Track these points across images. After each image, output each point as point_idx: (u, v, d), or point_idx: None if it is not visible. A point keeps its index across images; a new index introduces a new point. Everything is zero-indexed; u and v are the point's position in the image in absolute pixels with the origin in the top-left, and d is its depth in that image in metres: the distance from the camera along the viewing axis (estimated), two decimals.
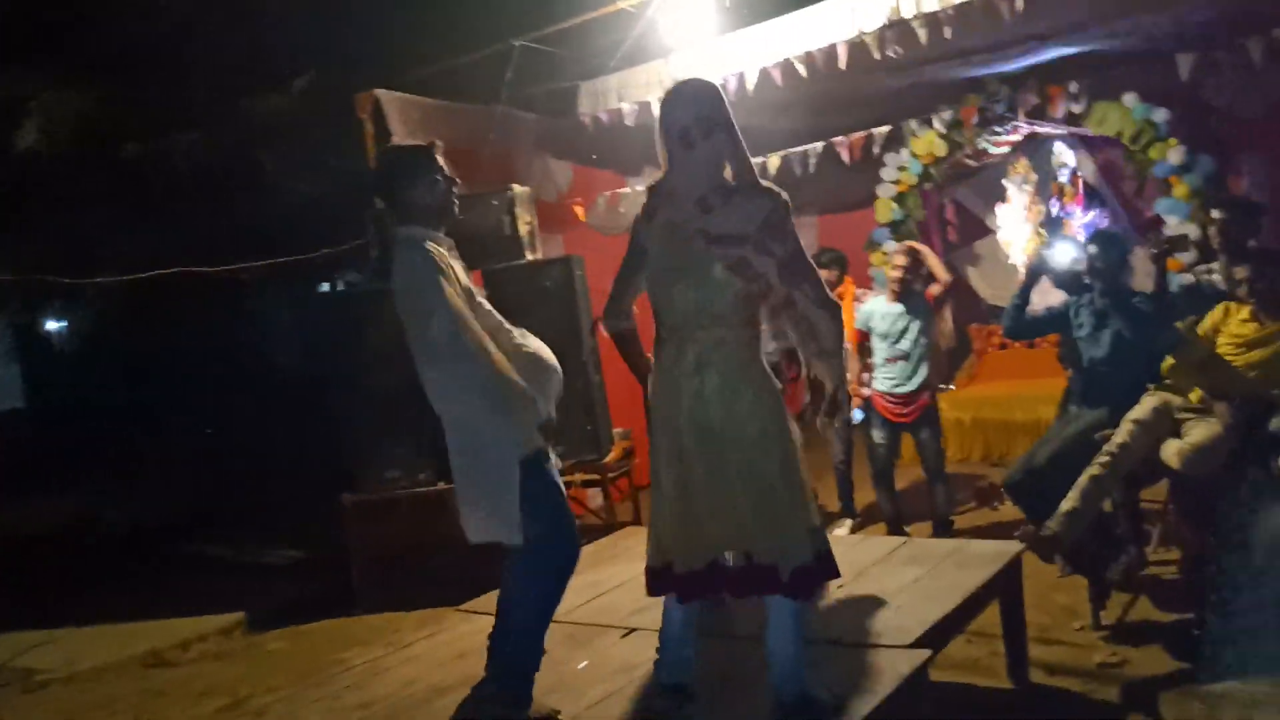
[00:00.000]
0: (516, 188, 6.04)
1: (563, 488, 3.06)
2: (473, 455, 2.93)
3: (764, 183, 2.72)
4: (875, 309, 5.85)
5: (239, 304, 9.40)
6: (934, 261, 6.00)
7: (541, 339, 3.06)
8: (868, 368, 5.93)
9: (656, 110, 4.16)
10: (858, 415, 6.06)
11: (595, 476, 6.67)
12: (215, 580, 6.93)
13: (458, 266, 2.95)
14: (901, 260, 5.80)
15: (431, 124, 6.85)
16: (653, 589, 2.83)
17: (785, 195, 2.66)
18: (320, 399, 6.57)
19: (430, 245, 2.88)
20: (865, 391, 5.96)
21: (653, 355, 2.80)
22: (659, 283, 2.73)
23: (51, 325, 12.10)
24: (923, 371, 5.76)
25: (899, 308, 5.76)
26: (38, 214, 7.65)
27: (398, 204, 2.97)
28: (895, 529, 5.81)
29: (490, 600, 4.02)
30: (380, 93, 6.50)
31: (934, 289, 5.92)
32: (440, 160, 2.99)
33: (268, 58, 7.94)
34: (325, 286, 10.23)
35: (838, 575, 2.77)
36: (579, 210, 7.71)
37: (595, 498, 7.06)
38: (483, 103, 7.05)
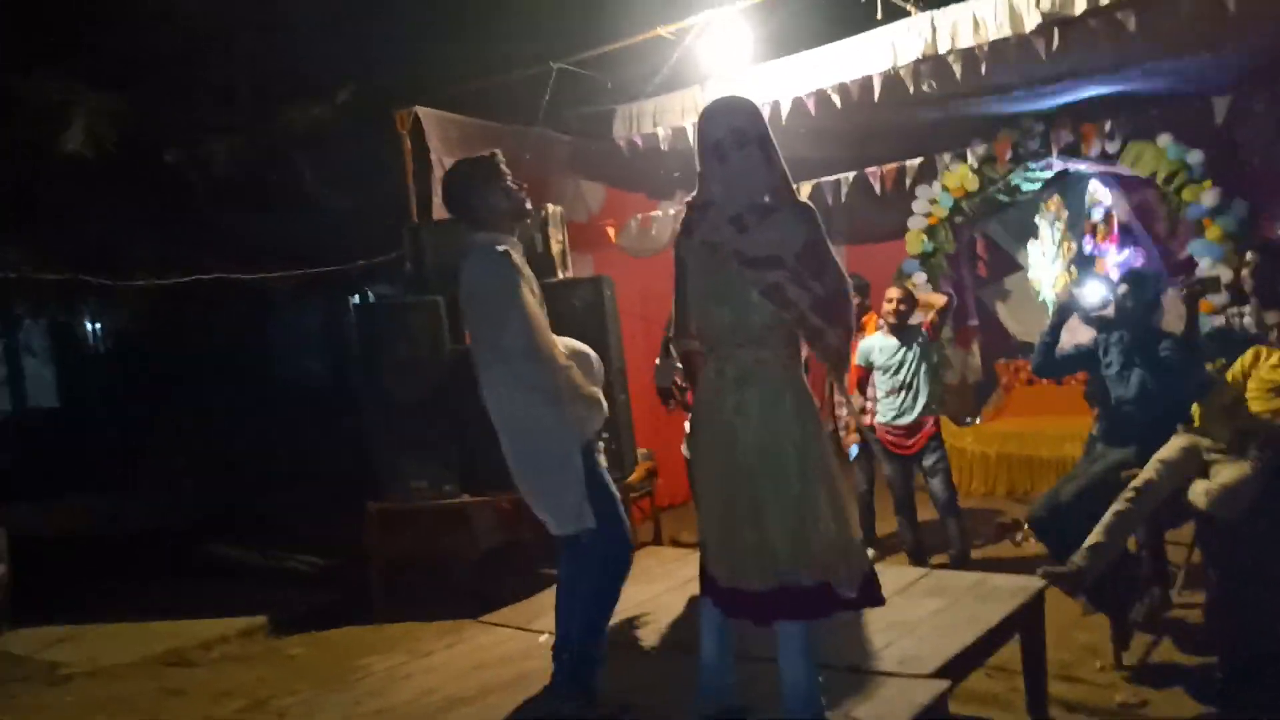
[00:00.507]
0: (550, 207, 6.11)
1: (613, 487, 3.18)
2: (534, 453, 3.06)
3: (801, 200, 2.72)
4: (874, 344, 5.92)
5: (273, 311, 9.52)
6: (926, 296, 6.06)
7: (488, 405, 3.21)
8: (869, 402, 5.99)
9: (692, 134, 4.21)
10: (853, 452, 6.09)
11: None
12: (238, 584, 7.00)
13: (529, 271, 3.05)
14: (896, 293, 5.87)
15: (469, 141, 6.96)
16: (704, 594, 2.85)
17: (818, 216, 2.65)
18: (350, 408, 6.64)
19: (510, 250, 3.00)
20: (866, 419, 6.01)
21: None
22: (698, 302, 2.75)
23: (88, 327, 12.29)
24: (923, 401, 5.78)
25: (895, 341, 5.82)
26: (79, 216, 7.78)
27: (473, 212, 3.10)
28: (917, 560, 5.80)
29: (511, 613, 4.10)
30: (420, 109, 6.61)
31: (930, 317, 5.95)
32: (505, 168, 3.13)
33: (310, 68, 8.05)
34: (357, 298, 10.36)
35: (883, 600, 2.80)
36: (611, 231, 7.78)
37: None
38: (520, 123, 7.14)
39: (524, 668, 3.48)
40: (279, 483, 8.80)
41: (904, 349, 5.81)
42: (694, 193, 2.77)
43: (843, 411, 6.24)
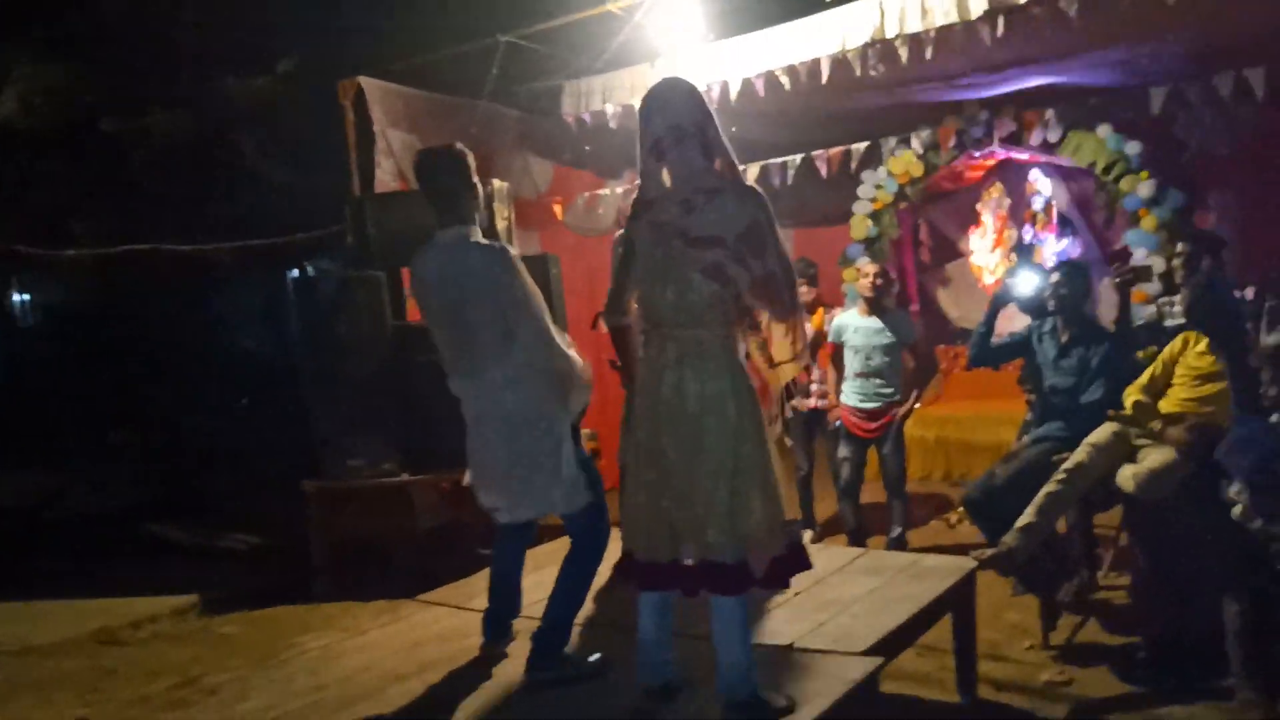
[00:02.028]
0: (496, 183, 6.05)
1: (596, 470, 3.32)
2: (533, 447, 3.14)
3: (749, 184, 2.75)
4: (849, 322, 5.88)
5: (212, 286, 9.32)
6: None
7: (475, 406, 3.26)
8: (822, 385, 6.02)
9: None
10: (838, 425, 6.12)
11: None
12: (174, 563, 6.88)
13: None
14: (873, 268, 5.87)
15: (414, 114, 6.86)
16: (618, 575, 2.91)
17: (766, 199, 2.67)
18: (289, 384, 6.55)
19: (501, 243, 3.18)
20: (815, 402, 6.05)
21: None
22: (644, 281, 2.79)
23: (23, 299, 11.94)
24: (892, 387, 5.82)
25: (875, 323, 5.79)
26: (12, 186, 7.56)
27: (451, 199, 3.22)
28: (857, 541, 5.87)
29: (449, 592, 4.07)
30: (363, 80, 6.50)
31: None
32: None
33: (252, 39, 7.90)
34: (296, 273, 10.18)
35: (810, 567, 2.85)
36: (557, 209, 7.74)
37: None
38: (466, 96, 7.06)
39: (462, 645, 3.46)
40: (219, 461, 8.65)
41: (882, 333, 5.77)
42: (638, 185, 2.80)
43: (814, 387, 6.22)
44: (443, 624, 3.67)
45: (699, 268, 2.62)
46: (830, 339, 5.95)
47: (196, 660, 4.90)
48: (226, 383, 9.22)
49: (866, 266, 5.92)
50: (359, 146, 6.67)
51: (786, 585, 2.81)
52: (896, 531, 5.86)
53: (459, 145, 3.32)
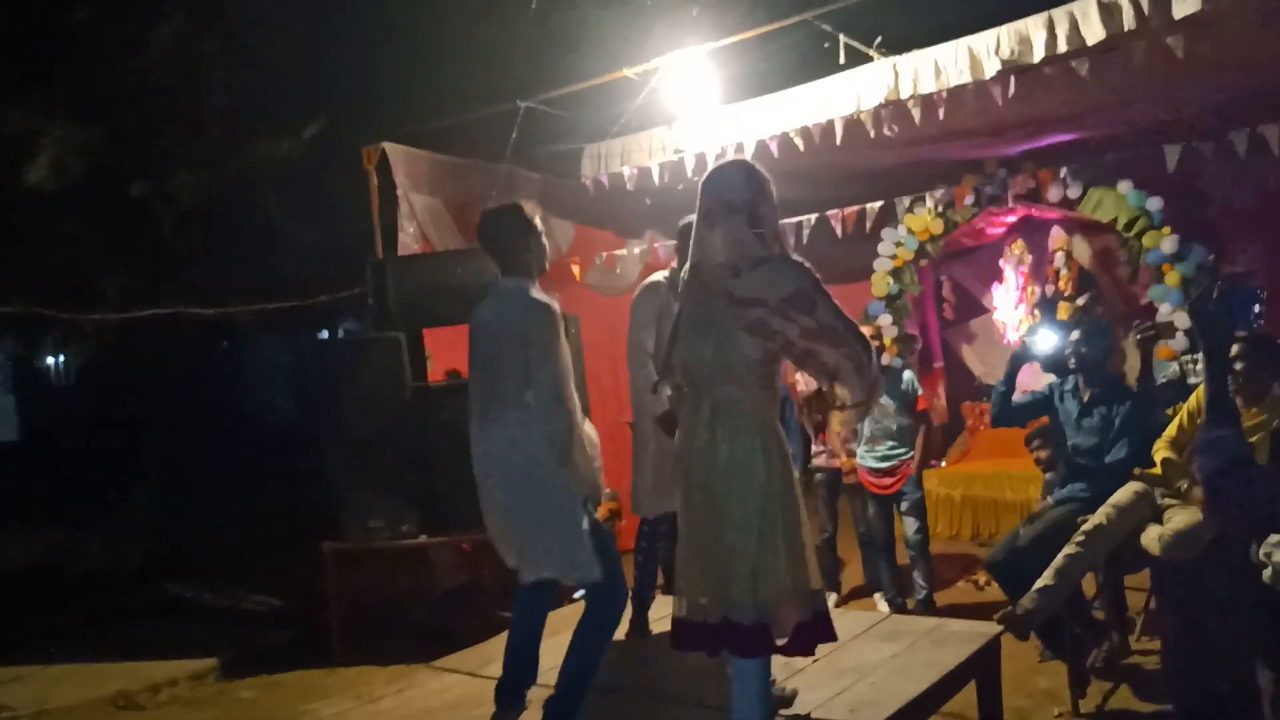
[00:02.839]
0: None
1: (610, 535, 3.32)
2: (537, 502, 3.19)
3: (795, 257, 2.79)
4: None
5: (239, 346, 9.43)
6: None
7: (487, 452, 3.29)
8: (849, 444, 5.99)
9: (657, 174, 5.21)
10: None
11: None
12: (192, 624, 6.87)
13: None
14: (868, 330, 5.85)
15: (436, 178, 6.98)
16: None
17: (810, 269, 2.72)
18: (310, 445, 6.58)
19: (554, 303, 3.22)
20: (838, 462, 6.02)
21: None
22: (686, 337, 2.84)
23: (49, 360, 12.13)
24: (905, 446, 5.79)
25: None
26: (41, 247, 7.70)
27: (510, 255, 3.31)
28: (897, 604, 5.78)
29: (462, 658, 4.03)
30: (386, 145, 6.62)
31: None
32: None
33: (279, 103, 8.05)
34: (324, 334, 10.28)
35: (834, 638, 2.79)
36: (575, 270, 7.79)
37: None
38: (488, 160, 7.16)
39: (474, 714, 3.42)
40: (239, 520, 8.67)
41: (887, 397, 5.73)
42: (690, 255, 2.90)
43: (837, 443, 6.19)
44: (455, 691, 3.63)
45: (743, 325, 2.68)
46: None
47: None
48: (248, 442, 9.28)
49: (864, 330, 5.89)
50: (382, 209, 6.78)
51: (810, 652, 2.76)
52: (923, 593, 5.77)
53: (519, 203, 3.48)
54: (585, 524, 3.20)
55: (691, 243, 2.87)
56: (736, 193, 2.78)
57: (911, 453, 5.81)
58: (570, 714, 3.14)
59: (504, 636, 4.32)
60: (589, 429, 3.34)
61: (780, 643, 2.66)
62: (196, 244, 7.94)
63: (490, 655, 4.02)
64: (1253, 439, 4.10)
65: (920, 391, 5.97)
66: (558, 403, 3.16)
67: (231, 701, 5.36)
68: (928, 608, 5.72)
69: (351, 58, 7.94)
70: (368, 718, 3.47)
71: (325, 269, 7.76)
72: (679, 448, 2.85)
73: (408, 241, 6.70)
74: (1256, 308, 7.70)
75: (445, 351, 6.33)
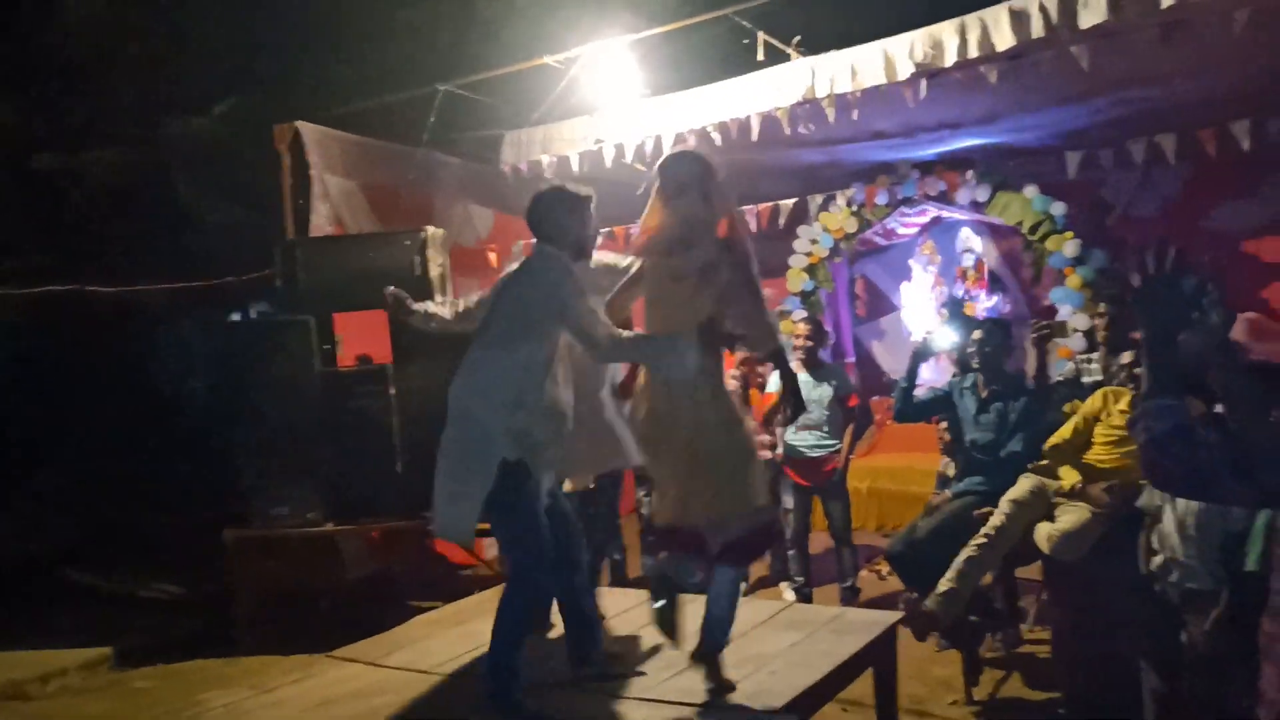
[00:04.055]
0: (430, 230, 6.04)
1: (539, 515, 3.28)
2: (466, 435, 3.26)
3: (723, 236, 3.15)
4: None
5: (144, 328, 9.13)
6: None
7: (446, 382, 3.30)
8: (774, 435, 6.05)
9: (576, 164, 5.85)
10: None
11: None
12: (90, 613, 6.64)
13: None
14: (804, 329, 5.93)
15: (352, 160, 6.86)
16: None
17: (739, 243, 3.16)
18: (219, 430, 6.41)
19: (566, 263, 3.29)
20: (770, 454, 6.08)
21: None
22: (646, 311, 3.31)
23: None
24: (833, 437, 5.87)
25: (807, 377, 5.86)
26: None
27: (559, 230, 3.35)
28: (804, 594, 5.88)
29: (364, 648, 3.98)
30: (300, 124, 6.48)
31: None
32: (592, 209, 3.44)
33: (196, 81, 7.84)
34: (237, 316, 10.00)
35: (768, 551, 3.39)
36: (493, 257, 7.74)
37: (491, 548, 6.98)
38: (405, 144, 7.06)
39: (373, 704, 3.37)
40: (146, 506, 8.41)
41: (818, 386, 5.84)
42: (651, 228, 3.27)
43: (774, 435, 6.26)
44: (356, 681, 3.58)
45: (683, 297, 3.12)
46: (770, 391, 6.00)
47: (103, 716, 4.74)
48: (157, 426, 9.00)
49: (800, 325, 5.99)
50: (294, 190, 6.63)
51: (747, 561, 3.36)
52: (849, 581, 5.89)
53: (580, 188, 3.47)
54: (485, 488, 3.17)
55: (644, 221, 3.26)
56: (688, 174, 3.19)
57: (839, 445, 5.90)
58: (502, 689, 3.17)
59: (409, 625, 4.32)
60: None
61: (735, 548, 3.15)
62: (107, 222, 7.69)
63: (393, 645, 3.98)
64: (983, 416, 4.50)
65: (854, 389, 6.07)
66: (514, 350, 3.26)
67: (124, 691, 5.21)
68: (853, 596, 5.85)
69: (271, 37, 7.77)
70: (263, 708, 3.40)
71: (239, 250, 7.58)
72: (642, 393, 3.25)
73: (320, 223, 6.57)
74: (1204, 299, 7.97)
75: (356, 337, 6.23)
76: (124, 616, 6.52)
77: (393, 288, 4.00)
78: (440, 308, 3.85)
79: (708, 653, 3.23)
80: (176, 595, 6.99)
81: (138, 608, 6.82)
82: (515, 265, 3.48)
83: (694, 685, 3.31)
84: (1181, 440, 1.73)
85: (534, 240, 3.44)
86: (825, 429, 5.86)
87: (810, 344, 5.87)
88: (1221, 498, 1.81)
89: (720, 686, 3.22)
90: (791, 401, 3.32)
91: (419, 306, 4.04)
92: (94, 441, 8.92)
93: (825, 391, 5.84)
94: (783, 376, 3.35)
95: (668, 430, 3.19)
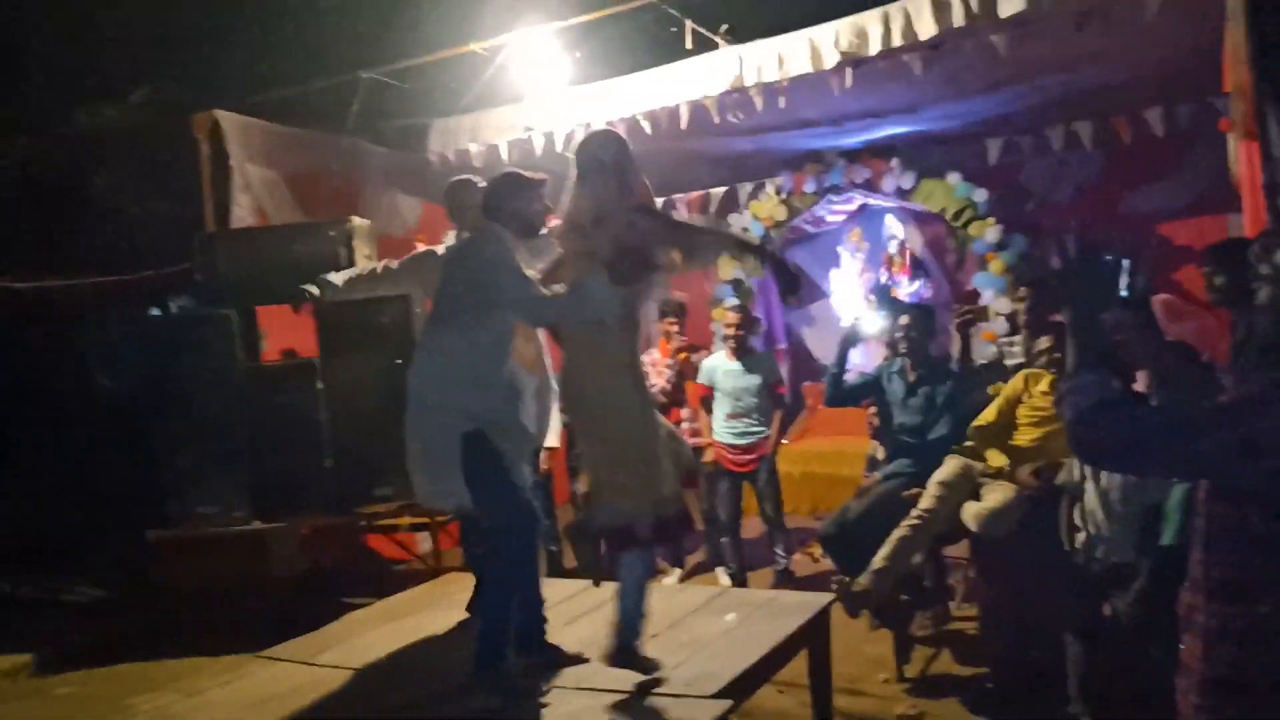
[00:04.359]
0: (355, 220, 5.93)
1: (512, 482, 3.31)
2: (437, 417, 3.28)
3: (635, 203, 3.19)
4: (717, 365, 6.02)
5: (61, 325, 8.83)
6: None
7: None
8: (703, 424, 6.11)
9: (505, 153, 5.74)
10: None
11: (424, 520, 6.53)
12: (7, 618, 6.41)
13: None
14: (734, 318, 5.99)
15: (273, 149, 6.69)
16: None
17: (648, 207, 3.23)
18: (140, 428, 6.23)
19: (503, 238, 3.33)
20: (701, 440, 6.12)
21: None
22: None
23: None
24: (763, 424, 5.93)
25: (738, 365, 5.92)
26: None
27: (499, 211, 3.39)
28: (740, 579, 5.93)
29: (294, 647, 3.92)
30: (219, 113, 6.30)
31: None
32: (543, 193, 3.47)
33: (103, 68, 7.58)
34: (156, 311, 9.70)
35: (677, 540, 3.49)
36: (420, 247, 7.62)
37: (424, 542, 6.91)
38: (329, 133, 6.92)
39: (306, 702, 3.32)
40: (64, 508, 8.14)
41: (747, 375, 5.90)
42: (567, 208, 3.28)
43: (685, 426, 6.28)
44: (286, 681, 3.52)
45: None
46: (701, 381, 6.05)
47: None
48: (75, 425, 8.72)
49: (730, 314, 6.05)
50: (214, 181, 6.45)
51: (652, 550, 3.30)
52: (782, 564, 5.96)
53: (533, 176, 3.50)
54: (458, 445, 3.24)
55: (565, 205, 3.25)
56: (602, 152, 3.21)
57: (768, 432, 5.96)
58: (488, 656, 3.21)
59: (341, 622, 4.26)
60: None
61: (646, 536, 3.16)
62: (16, 215, 7.40)
63: (324, 643, 3.93)
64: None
65: (782, 377, 6.15)
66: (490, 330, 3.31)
67: (46, 699, 5.05)
68: (787, 579, 5.91)
69: (186, 22, 7.55)
70: (191, 711, 3.33)
71: (157, 243, 7.36)
72: (563, 381, 3.33)
73: (241, 215, 6.40)
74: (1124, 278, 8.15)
75: (281, 330, 6.10)
76: (43, 622, 6.31)
77: (305, 286, 4.16)
78: (338, 276, 4.15)
79: (621, 648, 3.22)
80: (98, 598, 6.79)
81: (58, 612, 6.60)
82: (449, 244, 3.55)
83: (631, 674, 3.32)
84: (1106, 413, 1.78)
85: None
86: (755, 416, 5.93)
87: (740, 333, 5.94)
88: (1145, 469, 1.86)
89: (646, 669, 3.23)
90: (785, 281, 3.31)
91: (309, 287, 4.08)
92: (7, 442, 8.61)
93: (754, 380, 5.92)
94: (771, 262, 3.40)
95: (586, 416, 3.26)
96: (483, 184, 3.91)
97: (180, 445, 5.48)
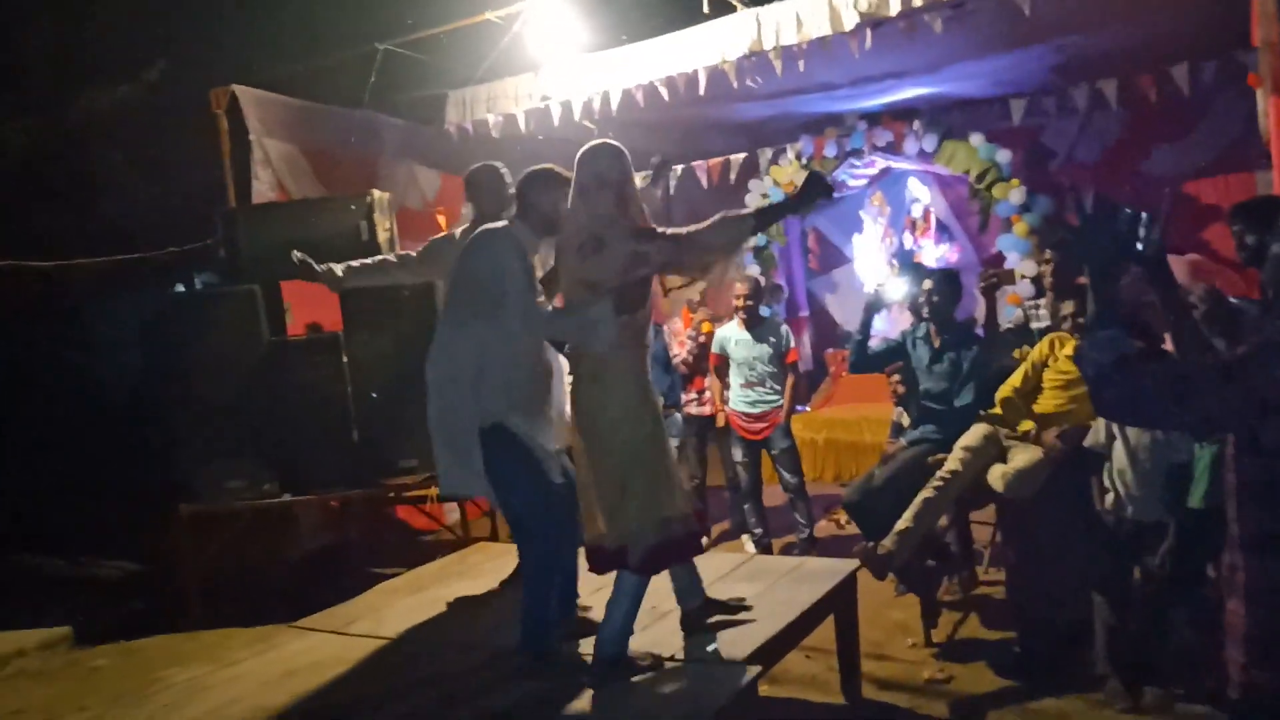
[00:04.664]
0: (376, 193, 5.92)
1: (537, 472, 3.29)
2: (453, 415, 3.28)
3: (636, 226, 3.07)
4: (730, 335, 6.02)
5: (78, 305, 8.90)
6: None
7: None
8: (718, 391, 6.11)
9: (522, 122, 5.62)
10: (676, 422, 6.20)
11: None
12: (41, 594, 6.52)
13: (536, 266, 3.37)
14: (743, 288, 5.97)
15: (291, 123, 6.69)
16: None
17: (650, 241, 3.04)
18: (165, 405, 6.29)
19: (519, 238, 3.26)
20: (706, 409, 6.14)
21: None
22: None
23: None
24: (776, 391, 5.93)
25: (748, 335, 5.94)
26: None
27: (527, 202, 3.33)
28: (764, 545, 5.95)
29: (326, 617, 3.96)
30: (237, 88, 6.30)
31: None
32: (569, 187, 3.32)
33: (115, 47, 7.57)
34: (180, 288, 9.75)
35: (684, 560, 3.24)
36: (441, 220, 7.62)
37: (452, 512, 6.96)
38: (346, 106, 6.91)
39: (338, 673, 3.36)
40: (91, 486, 8.25)
41: (758, 345, 5.91)
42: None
43: (705, 395, 6.33)
44: (318, 651, 3.56)
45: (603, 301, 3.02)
46: (714, 350, 6.05)
47: (61, 697, 4.65)
48: (99, 404, 8.81)
49: (739, 284, 6.03)
50: (234, 157, 6.47)
51: (658, 570, 3.14)
52: (805, 532, 5.97)
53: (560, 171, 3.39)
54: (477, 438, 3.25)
55: (565, 220, 3.18)
56: (607, 168, 3.09)
57: (781, 400, 5.96)
58: (530, 638, 3.23)
59: (370, 593, 4.31)
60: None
61: (632, 564, 3.04)
62: (30, 197, 7.43)
63: (355, 613, 3.97)
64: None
65: (793, 344, 6.14)
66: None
67: (83, 671, 5.13)
68: (810, 545, 5.93)
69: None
70: (225, 682, 3.37)
71: (170, 221, 7.38)
72: (571, 399, 3.20)
73: (262, 190, 6.43)
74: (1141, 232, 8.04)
75: (306, 304, 6.12)
76: (76, 598, 6.41)
77: (297, 253, 4.10)
78: (339, 266, 4.05)
79: (602, 662, 3.12)
80: (130, 573, 6.89)
81: (90, 588, 6.71)
82: (461, 230, 3.49)
83: (661, 640, 3.35)
84: (1126, 369, 1.76)
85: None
86: (769, 384, 5.95)
87: (750, 303, 5.93)
88: (1166, 424, 1.84)
89: (637, 670, 3.14)
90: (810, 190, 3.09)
91: (321, 268, 4.07)
92: (35, 424, 8.72)
93: (765, 349, 5.94)
94: (784, 208, 3.50)
95: (595, 439, 3.10)
96: (504, 169, 3.94)
97: (208, 420, 5.51)
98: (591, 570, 3.18)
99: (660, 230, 3.08)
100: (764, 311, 6.09)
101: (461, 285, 3.35)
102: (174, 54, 7.20)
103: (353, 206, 5.83)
